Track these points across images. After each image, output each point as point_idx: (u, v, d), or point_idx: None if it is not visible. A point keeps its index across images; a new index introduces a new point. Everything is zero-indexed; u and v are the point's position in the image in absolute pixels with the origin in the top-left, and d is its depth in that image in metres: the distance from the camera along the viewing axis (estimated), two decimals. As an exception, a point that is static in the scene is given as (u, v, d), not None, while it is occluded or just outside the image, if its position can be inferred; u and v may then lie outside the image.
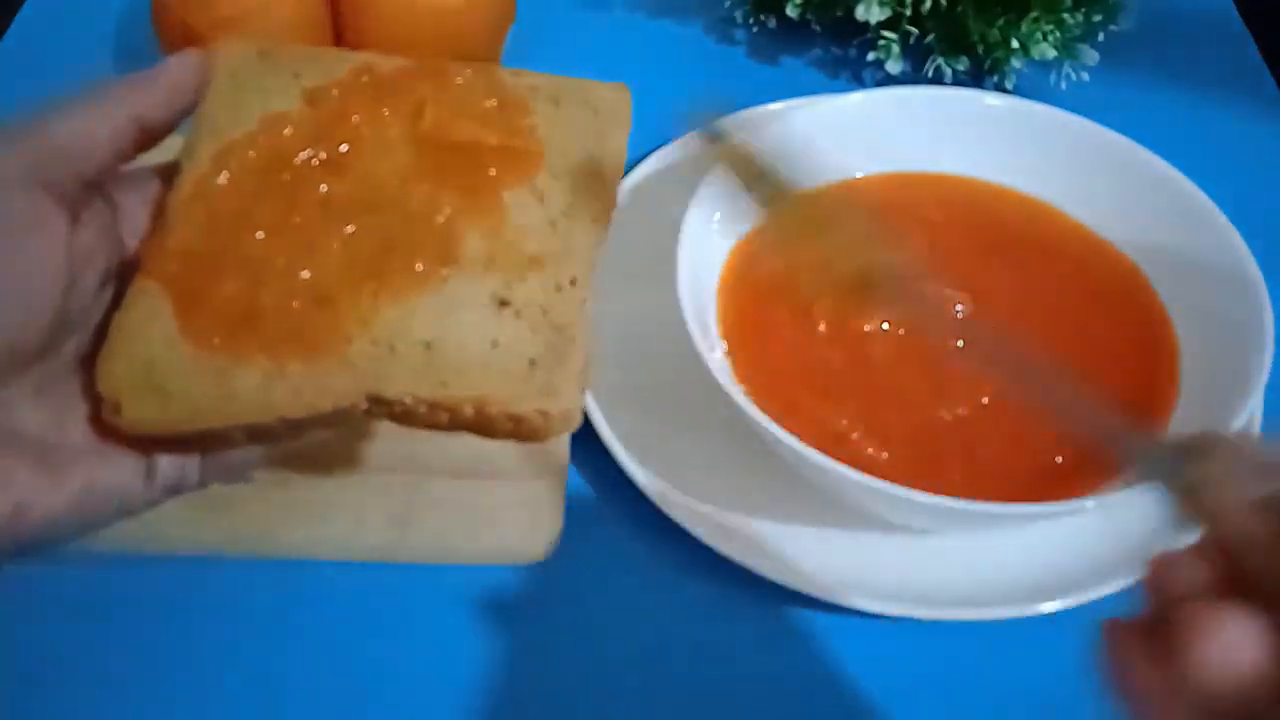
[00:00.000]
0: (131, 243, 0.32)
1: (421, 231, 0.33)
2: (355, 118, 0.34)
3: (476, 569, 0.42)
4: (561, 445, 0.44)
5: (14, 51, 0.62)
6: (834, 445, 0.39)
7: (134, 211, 0.33)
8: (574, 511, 0.43)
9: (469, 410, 0.31)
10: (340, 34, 0.55)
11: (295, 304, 0.31)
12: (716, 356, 0.42)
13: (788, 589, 0.40)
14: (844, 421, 0.41)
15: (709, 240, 0.45)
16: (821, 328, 0.44)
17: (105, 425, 0.30)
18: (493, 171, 0.34)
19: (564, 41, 0.63)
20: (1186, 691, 0.22)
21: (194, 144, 0.34)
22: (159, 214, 0.33)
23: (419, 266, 0.32)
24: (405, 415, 0.31)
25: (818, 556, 0.42)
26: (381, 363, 0.31)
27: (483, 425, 0.31)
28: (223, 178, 0.33)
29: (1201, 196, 0.45)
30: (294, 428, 0.30)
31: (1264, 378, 0.39)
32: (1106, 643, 0.24)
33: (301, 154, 0.33)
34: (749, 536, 0.42)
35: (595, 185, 0.35)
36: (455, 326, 0.31)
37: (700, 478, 0.43)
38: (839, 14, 0.60)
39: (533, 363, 0.31)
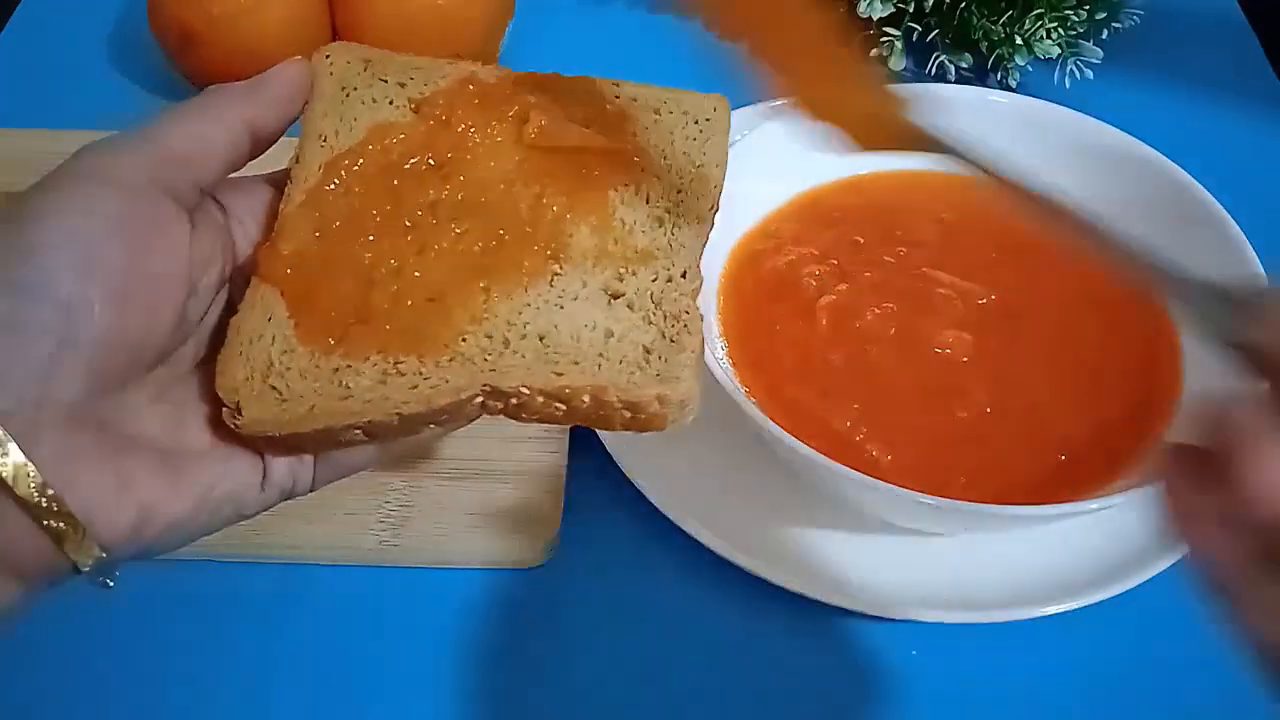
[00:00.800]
0: (244, 249, 0.33)
1: (529, 229, 0.33)
2: (462, 126, 0.35)
3: (475, 571, 0.42)
4: (561, 446, 0.44)
5: (11, 48, 0.61)
6: (835, 446, 0.39)
7: (245, 218, 0.33)
8: (574, 512, 0.43)
9: (586, 399, 0.30)
10: (337, 32, 0.55)
11: (408, 302, 0.32)
12: (717, 356, 0.42)
13: (788, 591, 0.40)
14: (846, 422, 0.41)
15: (709, 239, 0.45)
16: (822, 325, 0.44)
17: (225, 428, 0.30)
18: (597, 173, 0.35)
19: (563, 39, 0.63)
20: (1243, 523, 0.21)
21: (304, 153, 0.34)
22: (271, 221, 0.33)
23: (528, 263, 0.33)
24: (521, 407, 0.31)
25: (818, 558, 0.41)
26: (496, 356, 0.31)
27: (599, 415, 0.31)
28: (334, 185, 0.34)
29: (1204, 194, 0.45)
30: (409, 424, 0.31)
31: (1268, 378, 0.39)
32: (1164, 472, 0.24)
33: (410, 161, 0.34)
34: (749, 538, 0.42)
35: (698, 185, 0.35)
36: (568, 319, 0.32)
37: (700, 478, 0.43)
38: (841, 10, 0.59)
39: (648, 351, 0.31)
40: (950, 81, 0.58)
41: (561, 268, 0.33)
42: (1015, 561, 0.41)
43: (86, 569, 0.27)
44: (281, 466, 0.31)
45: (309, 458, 0.31)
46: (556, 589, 0.42)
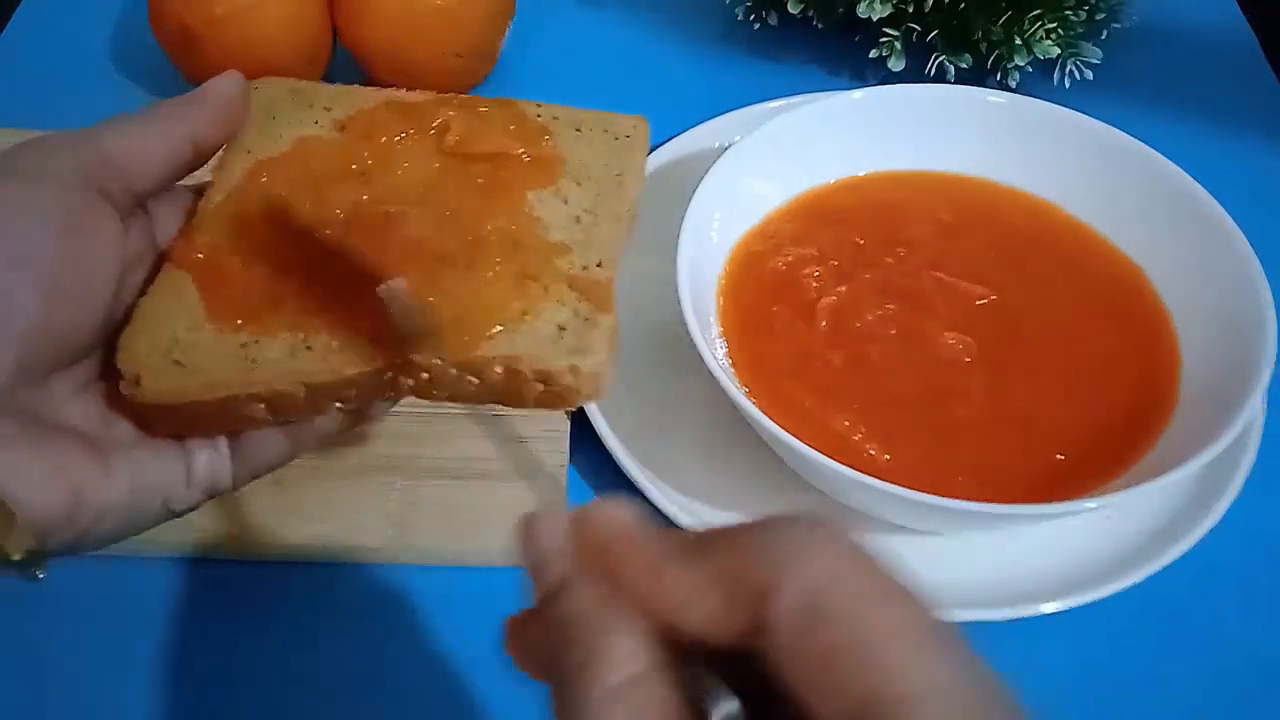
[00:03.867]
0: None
1: (447, 223, 0.34)
2: (384, 137, 0.36)
3: (476, 570, 0.42)
4: (561, 446, 0.44)
5: (11, 49, 0.61)
6: (835, 445, 0.39)
7: (167, 221, 0.34)
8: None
9: (499, 370, 0.31)
10: (337, 32, 0.55)
11: (316, 292, 0.32)
12: (717, 356, 0.42)
13: (788, 590, 0.40)
14: (845, 422, 0.41)
15: (709, 240, 0.45)
16: (822, 325, 0.44)
17: (122, 400, 0.30)
18: (515, 176, 0.36)
19: (563, 39, 0.63)
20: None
21: (227, 161, 0.36)
22: (190, 218, 0.34)
23: (444, 251, 0.33)
24: (433, 382, 0.31)
25: (818, 557, 0.41)
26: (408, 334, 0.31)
27: (512, 388, 0.31)
28: (254, 184, 0.35)
29: (1204, 194, 0.45)
30: (316, 397, 0.31)
31: (1266, 379, 0.39)
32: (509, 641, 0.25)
33: (331, 165, 0.35)
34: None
35: (617, 190, 0.36)
36: (482, 299, 0.32)
37: (700, 478, 0.43)
38: (841, 11, 0.59)
39: (561, 328, 0.32)
40: (950, 82, 0.58)
41: (477, 257, 0.33)
42: (1014, 560, 0.41)
43: (18, 558, 0.26)
44: (202, 461, 0.31)
45: (225, 450, 0.32)
46: (557, 588, 0.42)
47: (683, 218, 0.43)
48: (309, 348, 0.31)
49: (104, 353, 0.32)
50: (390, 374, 0.31)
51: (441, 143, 0.36)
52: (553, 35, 0.63)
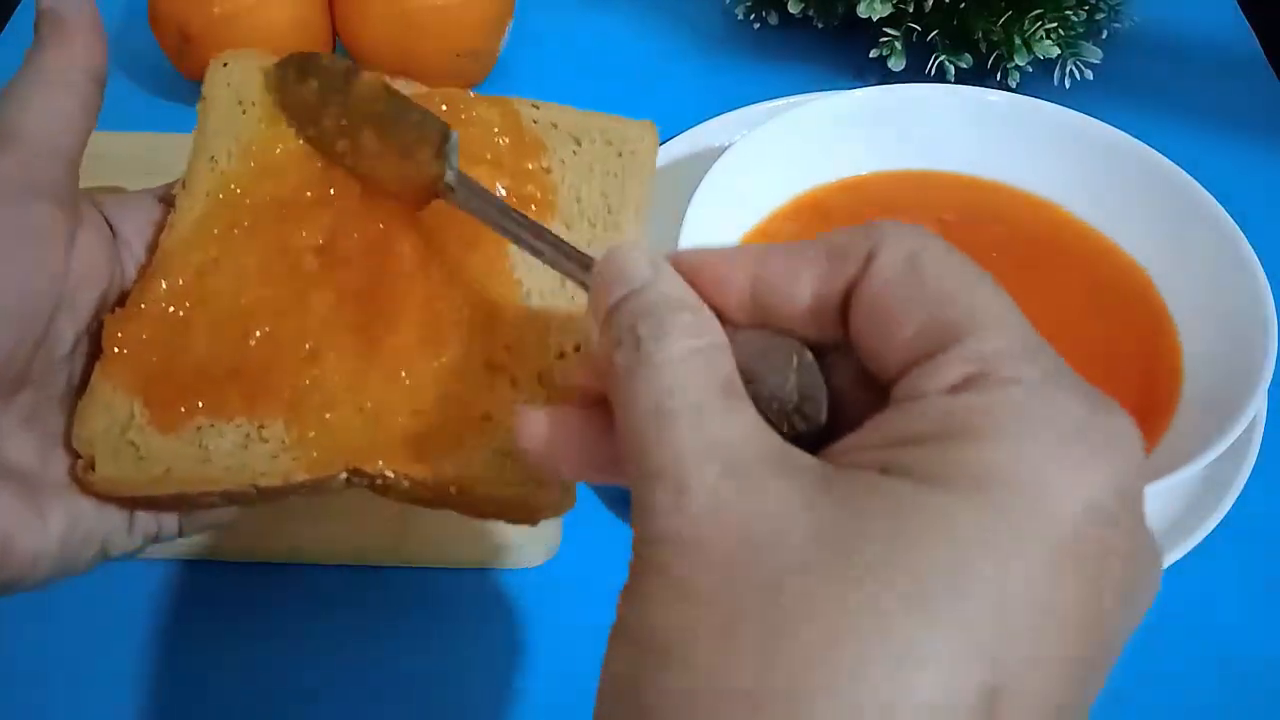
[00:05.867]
0: (130, 273, 0.31)
1: (417, 284, 0.31)
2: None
3: (476, 571, 0.42)
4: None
5: (10, 50, 0.61)
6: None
7: (133, 240, 0.31)
8: (574, 513, 0.43)
9: (453, 490, 0.29)
10: (337, 32, 0.55)
11: (281, 359, 0.30)
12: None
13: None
14: (845, 422, 0.41)
15: (709, 239, 0.45)
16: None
17: (80, 481, 0.28)
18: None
19: (563, 39, 0.63)
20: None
21: (192, 176, 0.33)
22: (150, 258, 0.31)
23: (411, 324, 0.30)
24: (387, 488, 0.29)
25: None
26: (365, 432, 0.29)
27: (467, 505, 0.29)
28: (213, 227, 0.31)
29: (1204, 194, 0.45)
30: (268, 495, 0.29)
31: (1267, 377, 0.39)
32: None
33: (297, 201, 0.32)
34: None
35: (610, 236, 0.33)
36: (445, 396, 0.29)
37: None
38: (841, 11, 0.59)
39: None
40: (950, 82, 0.58)
41: (447, 332, 0.30)
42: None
43: None
44: (146, 514, 0.29)
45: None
46: (556, 589, 0.42)
47: (683, 218, 0.43)
48: (264, 438, 0.29)
49: (46, 387, 0.29)
50: (344, 478, 0.29)
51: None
52: (553, 35, 0.63)
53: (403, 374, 0.30)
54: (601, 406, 0.23)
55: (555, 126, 0.34)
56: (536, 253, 0.27)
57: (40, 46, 0.30)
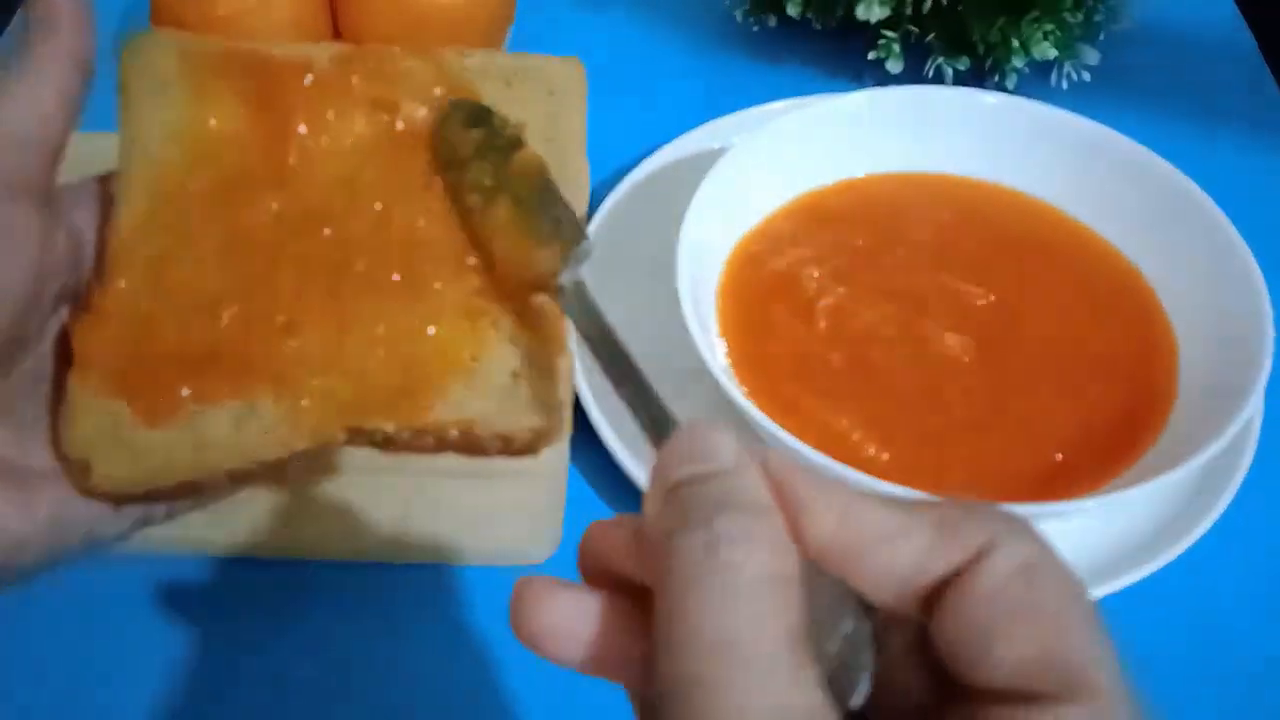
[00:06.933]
0: (85, 265, 0.30)
1: (385, 240, 0.31)
2: (303, 126, 0.32)
3: (477, 569, 0.42)
4: (562, 445, 0.44)
5: (11, 48, 0.61)
6: (834, 445, 0.39)
7: (85, 230, 0.30)
8: (574, 512, 0.43)
9: (454, 433, 0.29)
10: (339, 32, 0.55)
11: (259, 334, 0.30)
12: (717, 356, 0.42)
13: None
14: (844, 422, 0.41)
15: (709, 240, 0.45)
16: (822, 326, 0.44)
17: (81, 487, 0.28)
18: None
19: (563, 40, 0.63)
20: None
21: (127, 166, 0.32)
22: (100, 254, 0.30)
23: (386, 281, 0.30)
24: (388, 442, 0.29)
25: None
26: (355, 391, 0.29)
27: (470, 446, 0.30)
28: (160, 218, 0.31)
29: (1201, 195, 0.45)
30: (272, 469, 0.29)
31: (1264, 378, 0.39)
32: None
33: (242, 177, 0.31)
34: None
35: (560, 173, 0.33)
36: (431, 345, 0.30)
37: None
38: (839, 13, 0.60)
39: (515, 375, 0.30)
40: (947, 84, 0.58)
41: (421, 284, 0.30)
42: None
43: None
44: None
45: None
46: (557, 588, 0.42)
47: (683, 218, 0.43)
48: (257, 415, 0.29)
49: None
50: (344, 439, 0.29)
51: (372, 121, 0.32)
52: (553, 36, 0.63)
53: (380, 329, 0.30)
54: (624, 594, 0.22)
55: (486, 71, 0.34)
56: (617, 386, 0.27)
57: (27, 35, 0.29)
